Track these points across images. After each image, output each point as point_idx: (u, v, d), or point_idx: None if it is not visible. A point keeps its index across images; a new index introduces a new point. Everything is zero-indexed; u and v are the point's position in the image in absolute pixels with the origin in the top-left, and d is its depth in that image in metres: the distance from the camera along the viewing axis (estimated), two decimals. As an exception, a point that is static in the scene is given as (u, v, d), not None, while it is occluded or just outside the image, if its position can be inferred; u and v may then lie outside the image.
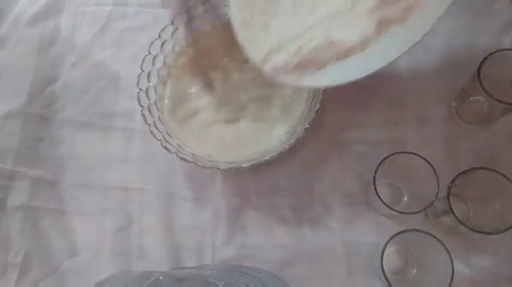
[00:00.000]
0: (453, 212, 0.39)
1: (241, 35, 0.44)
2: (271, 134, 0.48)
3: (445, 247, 0.36)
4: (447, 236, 0.41)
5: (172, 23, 0.50)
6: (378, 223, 0.46)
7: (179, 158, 0.44)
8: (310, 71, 0.38)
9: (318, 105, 0.43)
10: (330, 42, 0.37)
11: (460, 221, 0.38)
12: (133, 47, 0.58)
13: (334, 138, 0.50)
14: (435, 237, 0.37)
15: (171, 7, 0.56)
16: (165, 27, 0.50)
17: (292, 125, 0.47)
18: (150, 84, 0.49)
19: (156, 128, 0.47)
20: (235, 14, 0.44)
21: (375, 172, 0.41)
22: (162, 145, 0.45)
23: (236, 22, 0.44)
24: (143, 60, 0.49)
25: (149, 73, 0.49)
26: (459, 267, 0.38)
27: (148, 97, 0.49)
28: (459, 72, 0.46)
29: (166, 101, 0.51)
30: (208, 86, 0.51)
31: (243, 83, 0.50)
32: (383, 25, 0.35)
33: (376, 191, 0.41)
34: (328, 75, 0.37)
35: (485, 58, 0.41)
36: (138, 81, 0.48)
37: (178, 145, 0.47)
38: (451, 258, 0.36)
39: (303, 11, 0.40)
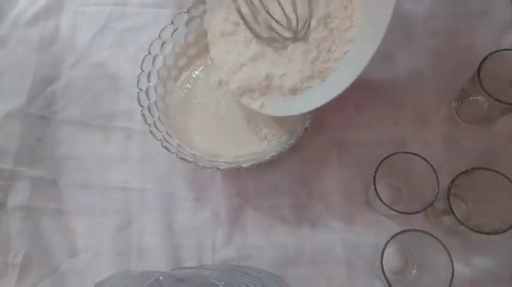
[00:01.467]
0: (453, 212, 0.39)
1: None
2: (270, 135, 0.48)
3: (445, 247, 0.36)
4: (447, 236, 0.41)
5: (172, 23, 0.50)
6: (378, 223, 0.46)
7: (179, 158, 0.44)
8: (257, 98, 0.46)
9: (318, 105, 0.43)
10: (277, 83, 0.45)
11: (460, 221, 0.38)
12: (133, 47, 0.58)
13: (334, 138, 0.50)
14: (435, 237, 0.37)
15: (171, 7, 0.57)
16: (165, 27, 0.50)
17: (292, 125, 0.47)
18: (150, 84, 0.49)
19: (156, 128, 0.47)
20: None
21: (375, 172, 0.41)
22: (162, 145, 0.45)
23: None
24: (143, 60, 0.49)
25: (149, 73, 0.49)
26: (459, 267, 0.38)
27: (148, 97, 0.49)
28: (459, 72, 0.46)
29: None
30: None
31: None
32: (309, 79, 0.43)
33: (376, 191, 0.41)
34: (279, 107, 0.45)
35: (485, 58, 0.41)
36: (138, 81, 0.48)
37: (179, 145, 0.47)
38: (451, 258, 0.36)
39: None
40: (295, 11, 0.44)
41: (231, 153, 0.48)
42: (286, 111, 0.44)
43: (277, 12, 0.44)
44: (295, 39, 0.45)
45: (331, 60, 0.42)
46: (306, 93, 0.43)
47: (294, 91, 0.44)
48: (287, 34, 0.45)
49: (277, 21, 0.44)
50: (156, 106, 0.49)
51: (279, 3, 0.43)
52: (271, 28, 0.44)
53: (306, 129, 0.43)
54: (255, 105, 0.46)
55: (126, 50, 0.58)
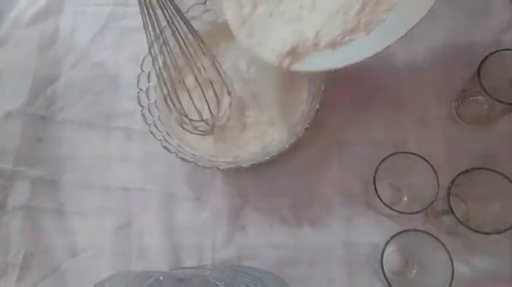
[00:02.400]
0: (453, 212, 0.39)
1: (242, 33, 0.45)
2: (271, 134, 0.48)
3: (445, 247, 0.36)
4: (447, 236, 0.42)
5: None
6: (378, 223, 0.46)
7: (179, 158, 0.45)
8: (300, 57, 0.41)
9: (318, 105, 0.43)
10: (316, 35, 0.41)
11: (460, 221, 0.38)
12: (133, 47, 0.58)
13: (334, 138, 0.50)
14: (435, 237, 0.37)
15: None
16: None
17: (292, 125, 0.47)
18: (150, 84, 0.49)
19: (156, 128, 0.47)
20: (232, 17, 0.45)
21: (375, 172, 0.41)
22: (162, 145, 0.45)
23: (234, 23, 0.45)
24: (143, 60, 0.49)
25: (149, 73, 0.49)
26: (459, 267, 0.38)
27: (148, 97, 0.49)
28: (459, 72, 0.46)
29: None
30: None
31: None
32: (352, 32, 0.39)
33: (376, 191, 0.41)
34: (314, 62, 0.41)
35: (485, 58, 0.41)
36: (138, 81, 0.48)
37: (178, 145, 0.47)
38: (451, 258, 0.36)
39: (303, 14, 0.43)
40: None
41: (231, 153, 0.48)
42: (321, 66, 0.40)
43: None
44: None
45: (379, 12, 0.38)
46: (348, 47, 0.40)
47: (333, 45, 0.40)
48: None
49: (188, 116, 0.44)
50: (156, 106, 0.49)
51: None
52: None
53: (306, 129, 0.43)
54: (285, 63, 0.41)
55: (126, 50, 0.58)
